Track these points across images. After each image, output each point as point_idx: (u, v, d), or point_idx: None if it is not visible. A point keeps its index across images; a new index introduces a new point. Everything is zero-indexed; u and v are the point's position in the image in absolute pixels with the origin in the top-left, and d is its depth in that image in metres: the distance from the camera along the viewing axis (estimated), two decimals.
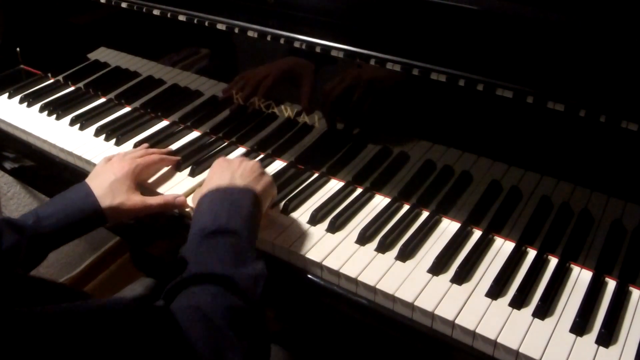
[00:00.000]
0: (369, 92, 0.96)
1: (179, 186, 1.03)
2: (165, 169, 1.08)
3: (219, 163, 0.91)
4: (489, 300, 0.81)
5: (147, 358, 0.57)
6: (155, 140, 1.16)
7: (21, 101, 1.31)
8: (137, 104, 1.27)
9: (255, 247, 0.79)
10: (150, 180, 1.05)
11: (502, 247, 0.90)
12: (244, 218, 0.79)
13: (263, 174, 0.90)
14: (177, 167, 1.08)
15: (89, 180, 0.94)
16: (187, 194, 1.01)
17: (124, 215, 0.94)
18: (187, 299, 0.69)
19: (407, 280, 0.83)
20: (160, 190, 1.03)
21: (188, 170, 1.07)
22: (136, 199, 0.94)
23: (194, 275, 0.71)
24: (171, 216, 1.01)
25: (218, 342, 0.63)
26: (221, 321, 0.65)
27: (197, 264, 0.73)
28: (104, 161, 1.01)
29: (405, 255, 0.88)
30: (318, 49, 0.94)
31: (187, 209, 0.98)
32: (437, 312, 0.78)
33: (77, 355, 0.52)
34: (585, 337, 0.76)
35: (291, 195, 0.99)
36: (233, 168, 0.88)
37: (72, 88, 1.36)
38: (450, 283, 0.83)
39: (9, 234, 0.84)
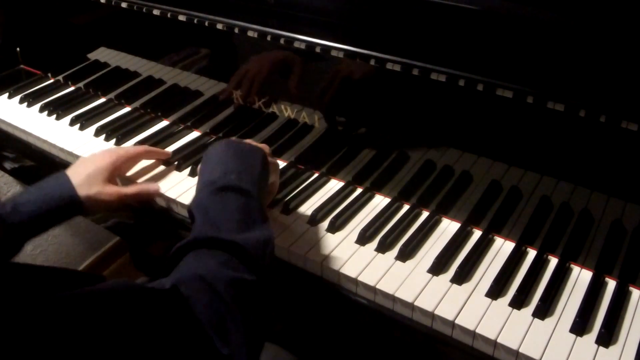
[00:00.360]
0: (368, 92, 0.96)
1: (179, 186, 1.03)
2: (162, 168, 1.08)
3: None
4: (489, 300, 0.81)
5: (153, 334, 0.57)
6: (155, 140, 1.16)
7: (21, 101, 1.31)
8: (137, 104, 1.27)
9: (263, 208, 0.79)
10: (148, 179, 1.05)
11: (502, 247, 0.90)
12: (255, 176, 0.79)
13: (271, 155, 0.91)
14: (178, 167, 1.08)
15: (69, 170, 0.95)
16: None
17: (101, 205, 0.94)
18: (195, 264, 0.68)
19: (407, 280, 0.83)
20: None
21: (188, 170, 1.07)
22: (112, 190, 0.94)
23: (204, 238, 0.70)
24: (171, 216, 1.01)
25: (222, 316, 0.63)
26: (227, 295, 0.64)
27: (206, 224, 0.73)
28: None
29: (405, 255, 0.88)
30: (318, 49, 0.94)
31: (181, 204, 0.98)
32: (437, 312, 0.78)
33: (89, 337, 0.53)
34: (585, 337, 0.76)
35: (291, 195, 0.99)
36: (244, 141, 0.90)
37: (72, 88, 1.36)
38: (450, 283, 0.83)
39: None
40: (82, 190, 0.91)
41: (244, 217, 0.74)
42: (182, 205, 0.99)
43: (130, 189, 0.98)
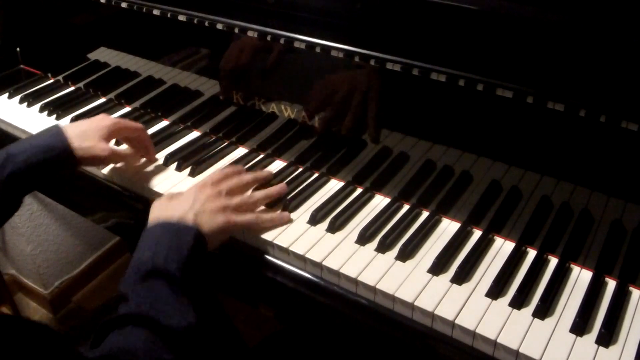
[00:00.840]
0: (368, 92, 0.96)
1: (179, 186, 1.03)
2: (162, 168, 1.08)
3: (190, 189, 0.90)
4: (489, 300, 0.81)
5: None
6: (155, 140, 1.16)
7: (21, 101, 1.31)
8: (137, 104, 1.27)
9: (191, 289, 0.78)
10: (150, 180, 1.05)
11: (502, 247, 0.90)
12: (181, 259, 0.78)
13: (223, 210, 0.87)
14: (178, 167, 1.08)
15: (65, 125, 0.98)
16: None
17: (93, 159, 0.97)
18: (121, 343, 0.70)
19: (407, 280, 0.83)
20: (159, 189, 1.03)
21: (188, 170, 1.07)
22: (105, 146, 0.98)
23: (130, 317, 0.72)
24: None
25: None
26: None
27: (134, 304, 0.74)
28: None
29: (405, 255, 0.88)
30: (318, 49, 0.94)
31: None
32: (437, 312, 0.78)
33: None
34: (585, 337, 0.76)
35: (291, 195, 0.99)
36: (197, 199, 0.87)
37: (72, 88, 1.36)
38: (450, 283, 0.83)
39: None
40: (75, 142, 0.94)
41: (168, 303, 0.75)
42: None
43: (123, 149, 1.03)
